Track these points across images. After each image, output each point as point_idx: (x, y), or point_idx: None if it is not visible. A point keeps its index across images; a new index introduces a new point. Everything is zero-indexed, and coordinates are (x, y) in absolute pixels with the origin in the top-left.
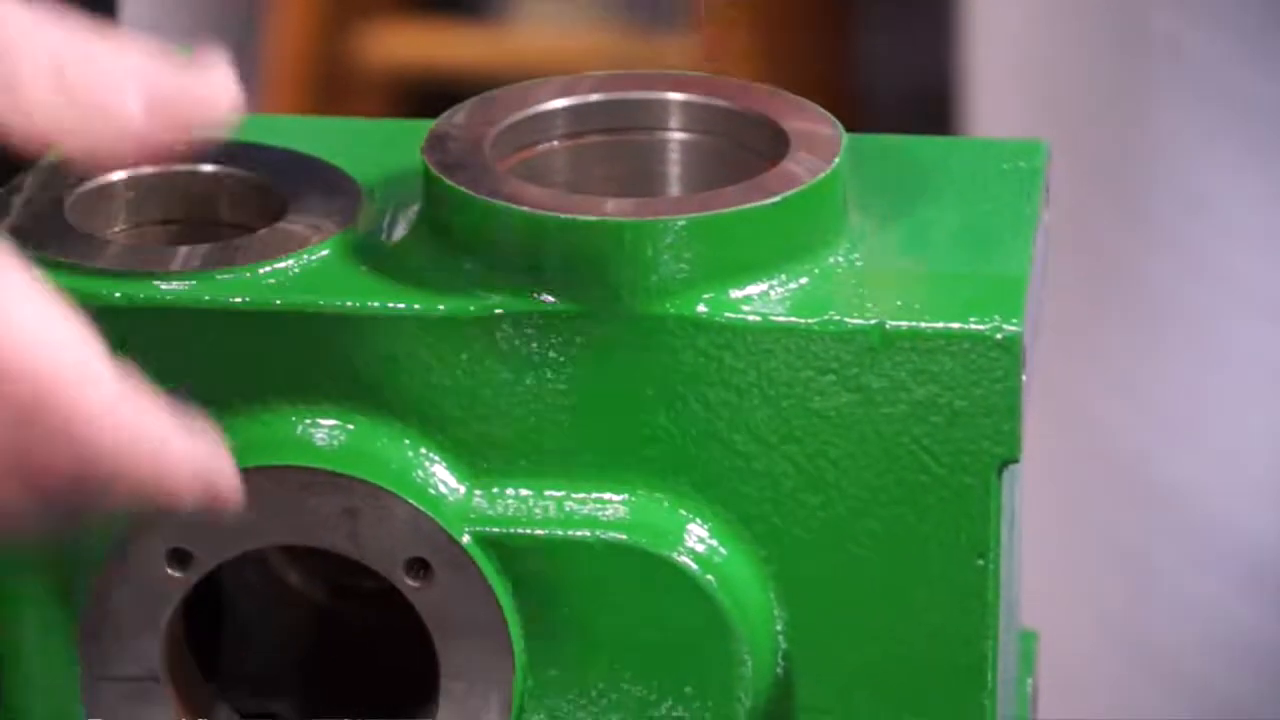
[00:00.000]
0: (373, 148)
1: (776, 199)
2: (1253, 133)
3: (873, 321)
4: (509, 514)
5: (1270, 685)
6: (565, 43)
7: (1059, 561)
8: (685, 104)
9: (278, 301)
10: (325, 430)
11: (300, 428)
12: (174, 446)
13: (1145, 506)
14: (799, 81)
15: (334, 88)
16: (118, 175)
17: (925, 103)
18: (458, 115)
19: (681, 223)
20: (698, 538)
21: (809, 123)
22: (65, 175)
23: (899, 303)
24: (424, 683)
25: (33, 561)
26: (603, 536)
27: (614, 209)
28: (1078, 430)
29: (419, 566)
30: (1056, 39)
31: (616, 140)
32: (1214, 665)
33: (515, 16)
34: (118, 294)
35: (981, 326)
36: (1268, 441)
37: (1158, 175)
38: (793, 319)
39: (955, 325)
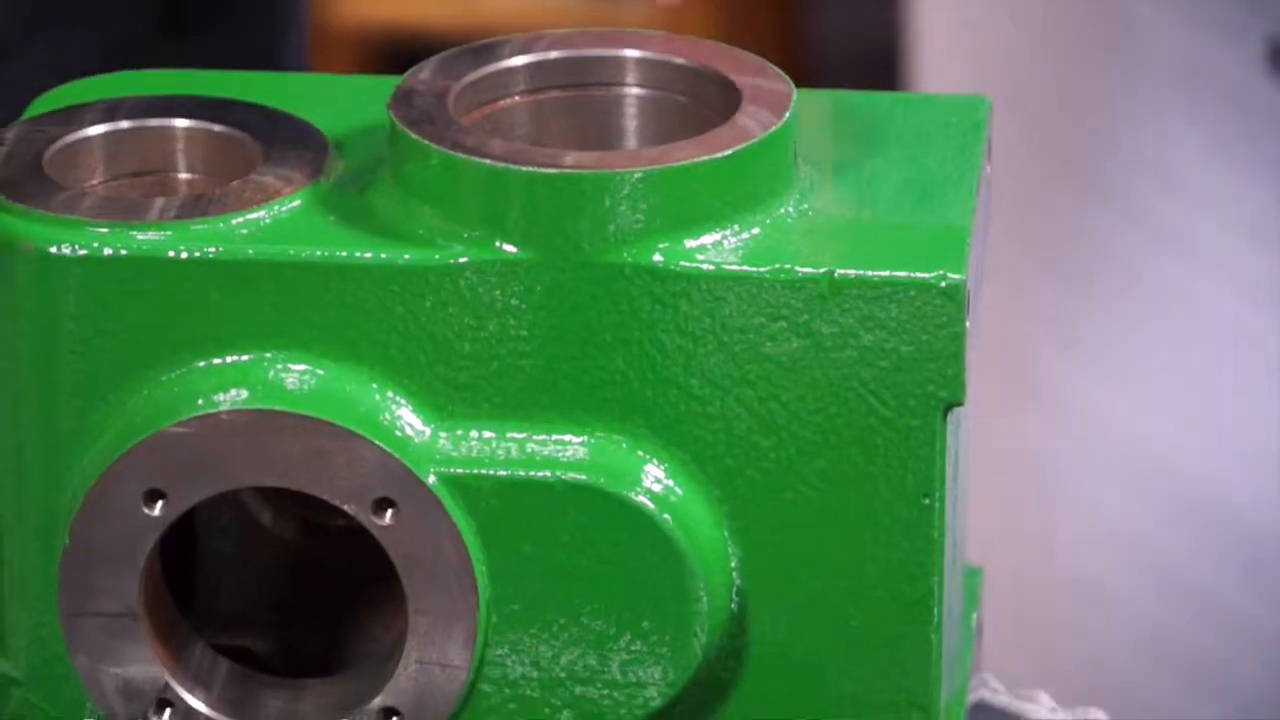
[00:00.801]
0: (341, 103)
1: (729, 152)
2: (1196, 98)
3: (822, 270)
4: (473, 455)
5: (1200, 612)
6: (530, 5)
7: (1008, 505)
8: (641, 60)
9: (250, 251)
10: (296, 375)
11: (272, 372)
12: None
13: (1089, 451)
14: (752, 39)
15: (310, 48)
16: (95, 130)
17: (873, 59)
18: (423, 72)
19: (638, 175)
20: (655, 478)
21: (761, 78)
22: (45, 129)
23: (847, 252)
24: (392, 618)
25: (22, 514)
26: (563, 477)
27: (573, 162)
28: (1025, 379)
29: (386, 506)
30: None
31: (575, 96)
32: (1150, 595)
33: None
34: (95, 244)
35: (926, 275)
36: (1203, 386)
37: (1099, 134)
38: (745, 268)
39: (901, 274)
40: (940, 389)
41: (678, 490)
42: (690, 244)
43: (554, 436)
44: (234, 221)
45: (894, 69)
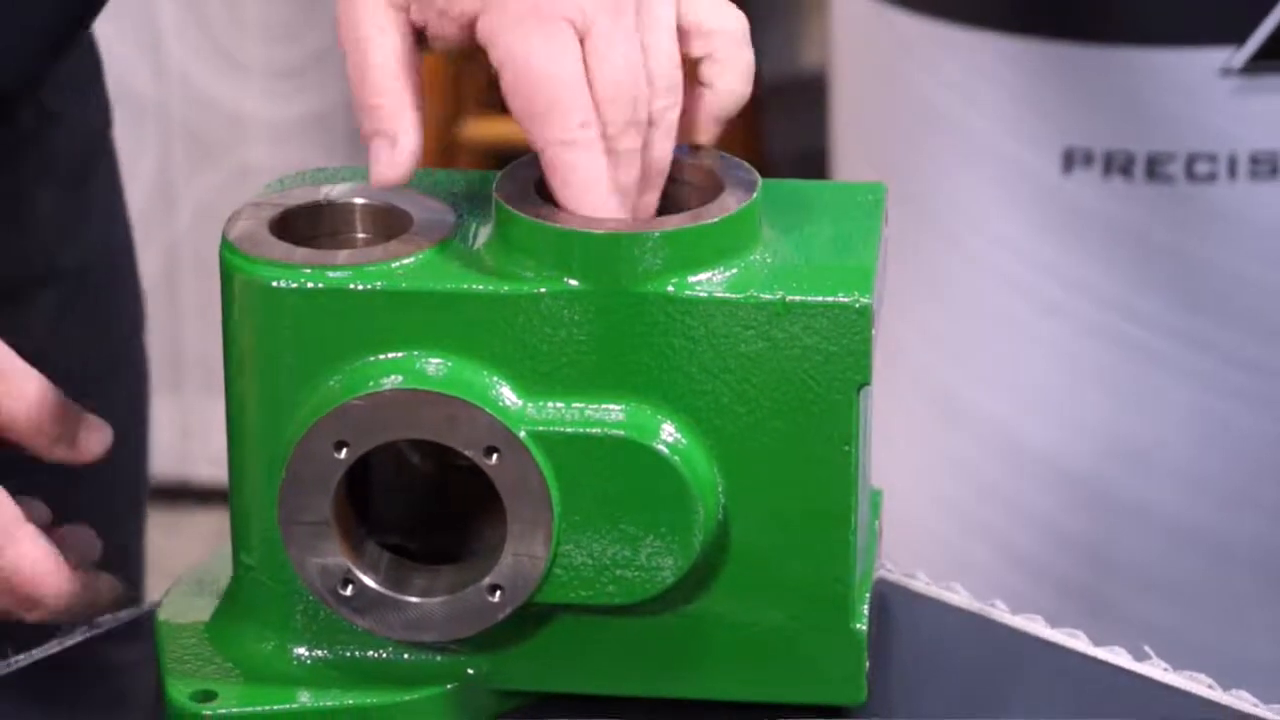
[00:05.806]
0: (464, 188)
1: (717, 219)
2: (1008, 187)
3: (778, 296)
4: (549, 418)
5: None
6: None
7: (897, 447)
8: None
9: (404, 285)
10: (434, 365)
11: (418, 364)
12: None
13: (943, 416)
14: (730, 147)
15: (446, 156)
16: (304, 203)
17: (809, 160)
18: (518, 167)
19: (658, 234)
20: (669, 433)
21: (736, 171)
22: (269, 203)
23: (794, 284)
24: (497, 525)
25: (255, 458)
26: (609, 433)
27: (615, 225)
28: (901, 368)
29: (493, 452)
30: (887, 121)
31: None
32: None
33: None
34: (302, 280)
35: (846, 299)
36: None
37: (945, 207)
38: (728, 295)
39: (829, 298)
40: (855, 375)
41: (684, 441)
42: (692, 279)
43: (603, 406)
44: (392, 265)
45: (823, 166)
